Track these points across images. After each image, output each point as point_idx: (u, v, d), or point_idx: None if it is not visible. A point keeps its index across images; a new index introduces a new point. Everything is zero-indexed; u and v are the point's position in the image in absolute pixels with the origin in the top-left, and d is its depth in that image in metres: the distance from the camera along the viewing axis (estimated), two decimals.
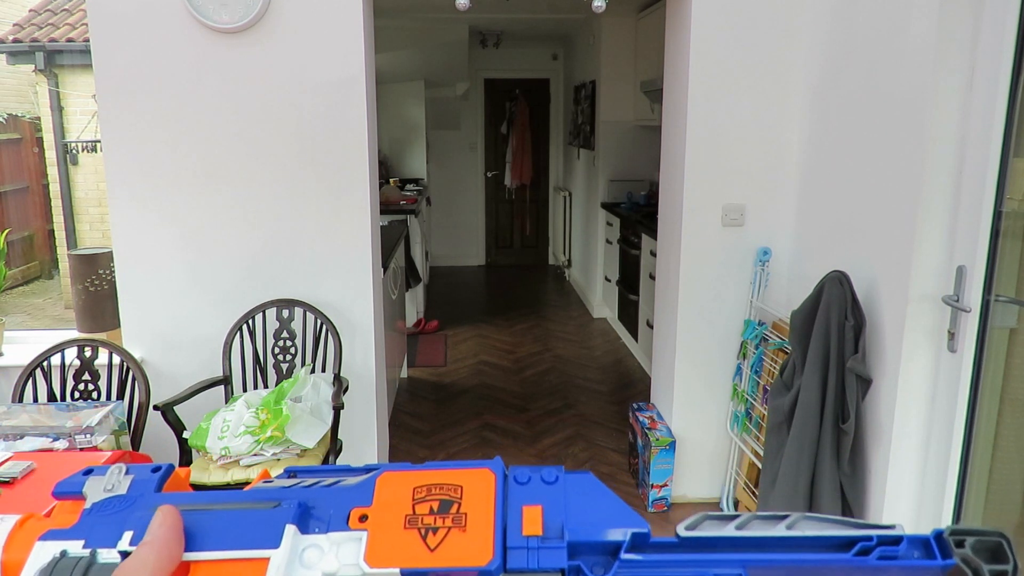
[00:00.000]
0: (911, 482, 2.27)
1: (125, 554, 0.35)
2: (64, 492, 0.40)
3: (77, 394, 2.60)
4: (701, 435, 3.17)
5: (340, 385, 2.74)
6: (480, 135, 8.12)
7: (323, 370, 2.88)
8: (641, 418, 3.25)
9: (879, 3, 2.35)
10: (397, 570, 0.33)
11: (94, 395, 2.61)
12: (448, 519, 0.34)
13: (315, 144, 2.83)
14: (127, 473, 0.40)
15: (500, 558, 0.33)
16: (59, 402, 2.48)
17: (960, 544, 0.32)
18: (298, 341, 2.90)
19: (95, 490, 0.39)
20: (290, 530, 0.34)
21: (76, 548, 0.36)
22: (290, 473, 0.39)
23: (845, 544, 0.33)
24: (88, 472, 0.40)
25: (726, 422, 3.13)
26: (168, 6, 2.71)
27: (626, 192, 5.63)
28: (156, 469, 0.40)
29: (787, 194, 2.96)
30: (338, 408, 2.61)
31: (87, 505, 0.38)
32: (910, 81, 2.17)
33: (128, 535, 0.36)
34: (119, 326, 2.98)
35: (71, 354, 2.60)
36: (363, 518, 0.35)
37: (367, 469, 0.38)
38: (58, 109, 6.86)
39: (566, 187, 7.64)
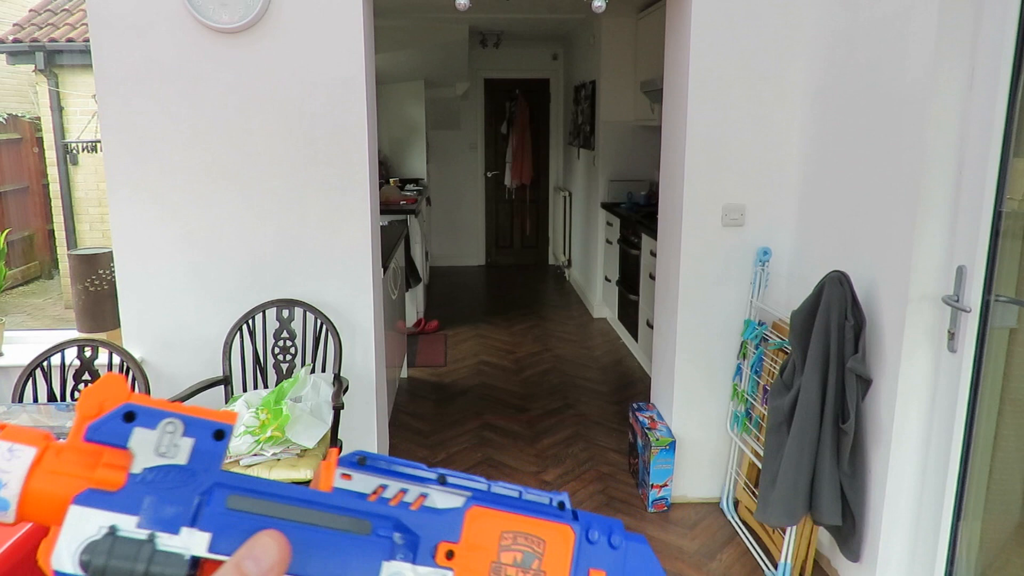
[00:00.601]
0: (911, 482, 2.27)
1: (198, 560, 0.32)
2: (102, 440, 0.34)
3: (77, 394, 2.60)
4: (701, 435, 3.17)
5: (340, 385, 2.74)
6: (480, 135, 8.12)
7: (323, 370, 2.88)
8: (641, 418, 3.25)
9: (879, 3, 2.35)
10: None
11: None
12: (530, 574, 0.36)
13: (315, 144, 2.83)
14: (185, 434, 0.35)
15: None
16: (59, 402, 2.48)
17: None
18: (298, 341, 2.90)
19: (145, 450, 0.34)
20: (385, 567, 0.35)
21: (128, 525, 0.32)
22: (359, 458, 0.37)
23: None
24: (130, 417, 0.34)
25: (726, 422, 3.13)
26: (168, 6, 2.71)
27: (626, 192, 5.63)
28: (219, 434, 0.35)
29: (787, 194, 2.96)
30: (338, 408, 2.61)
31: (134, 468, 0.34)
32: (910, 81, 2.17)
33: (204, 537, 0.33)
34: (119, 326, 2.98)
35: (71, 354, 2.60)
36: (449, 554, 0.36)
37: (439, 475, 0.38)
38: (58, 109, 6.86)
39: (566, 187, 7.64)
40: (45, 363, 2.55)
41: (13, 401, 2.49)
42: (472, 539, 0.36)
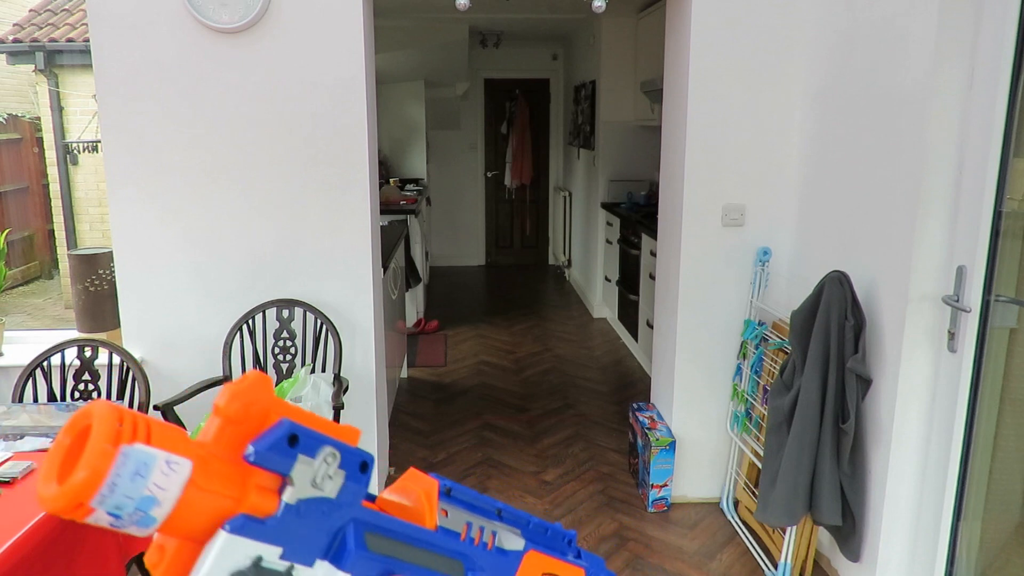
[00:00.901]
0: (911, 482, 2.27)
1: None
2: (269, 467, 0.33)
3: (77, 394, 2.60)
4: (701, 435, 3.17)
5: (340, 385, 2.74)
6: (480, 135, 8.12)
7: (323, 370, 2.89)
8: (641, 418, 3.25)
9: (879, 3, 2.35)
10: None
11: (94, 395, 2.61)
12: None
13: (315, 144, 2.83)
14: (340, 466, 0.34)
15: None
16: (59, 402, 2.48)
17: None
18: (298, 341, 2.90)
19: (303, 480, 0.33)
20: None
21: (272, 556, 0.32)
22: (446, 489, 0.42)
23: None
24: (294, 440, 0.33)
25: (726, 422, 3.13)
26: (168, 6, 2.71)
27: (626, 192, 5.63)
28: (363, 465, 0.35)
29: (787, 194, 2.96)
30: (338, 408, 2.61)
31: (289, 497, 0.33)
32: (910, 81, 2.17)
33: None
34: (119, 326, 2.98)
35: (71, 354, 2.60)
36: None
37: (496, 508, 0.45)
38: (58, 109, 6.86)
39: (566, 187, 7.64)
40: (45, 363, 2.55)
41: (13, 401, 2.49)
42: None
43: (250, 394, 0.33)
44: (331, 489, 0.34)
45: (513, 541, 0.44)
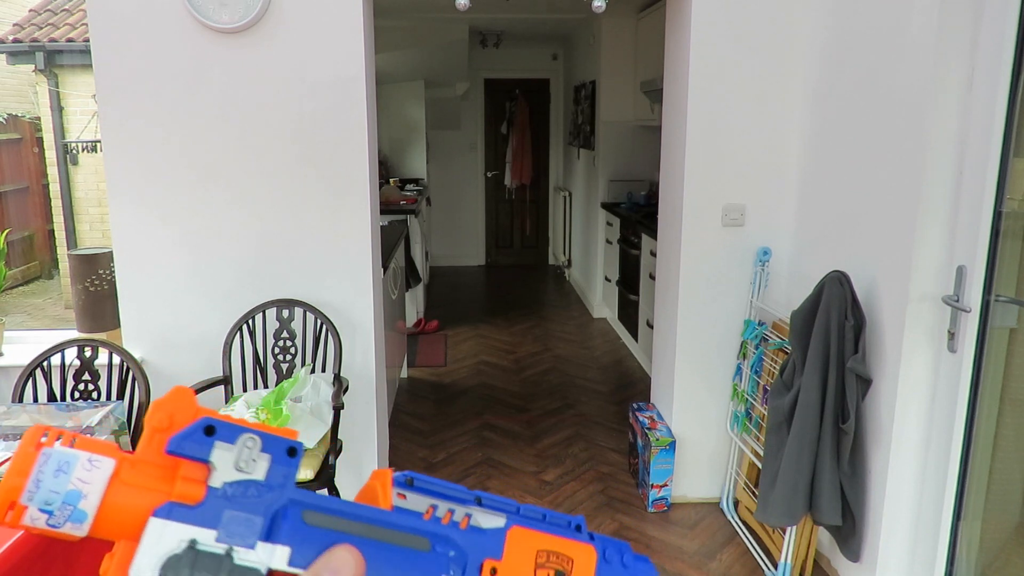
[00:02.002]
0: (911, 482, 2.27)
1: (274, 572, 0.33)
2: (184, 454, 0.34)
3: (77, 394, 2.60)
4: (701, 435, 3.17)
5: (340, 385, 2.74)
6: (480, 135, 8.12)
7: (323, 370, 2.88)
8: (641, 418, 3.25)
9: (879, 3, 2.35)
10: None
11: (94, 395, 2.61)
12: None
13: (315, 144, 2.83)
14: (263, 450, 0.35)
15: None
16: (59, 402, 2.47)
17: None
18: (298, 341, 2.90)
19: (225, 464, 0.35)
20: None
21: (207, 539, 0.33)
22: (407, 479, 0.40)
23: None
24: (210, 431, 0.35)
25: (726, 422, 3.13)
26: (168, 6, 2.71)
27: (626, 192, 5.63)
28: (291, 451, 0.36)
29: (787, 194, 2.96)
30: (338, 408, 2.61)
31: (214, 482, 0.34)
32: (910, 81, 2.17)
33: (283, 551, 0.34)
34: (119, 326, 2.98)
35: (71, 354, 2.60)
36: (493, 572, 0.39)
37: (475, 496, 0.41)
38: (58, 109, 6.86)
39: (566, 187, 7.64)
40: (45, 363, 2.55)
41: (13, 401, 2.49)
42: (512, 557, 0.39)
43: (172, 404, 0.35)
44: (259, 472, 0.35)
45: (494, 522, 0.40)
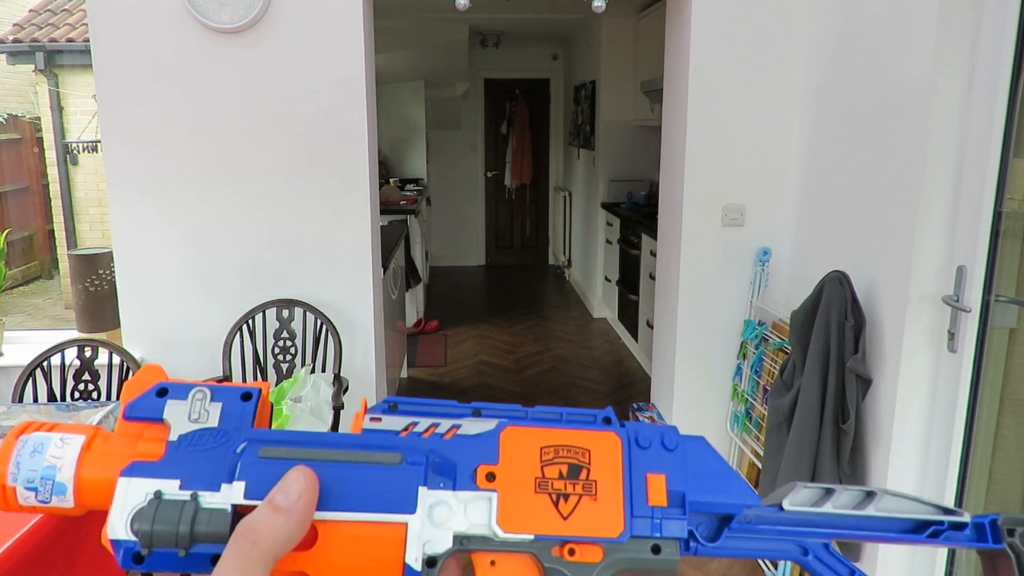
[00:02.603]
0: (911, 482, 2.27)
1: (240, 508, 0.34)
2: (139, 416, 0.36)
3: (77, 394, 2.60)
4: (701, 435, 3.16)
5: (340, 385, 2.74)
6: (480, 135, 8.12)
7: (323, 370, 2.88)
8: (641, 418, 3.25)
9: (879, 3, 2.35)
10: (531, 536, 0.34)
11: (94, 395, 2.61)
12: (579, 485, 0.35)
13: (315, 144, 2.83)
14: (213, 399, 0.37)
15: (630, 530, 0.34)
16: (59, 402, 2.48)
17: (1011, 532, 0.36)
18: (298, 341, 2.90)
19: (178, 418, 0.36)
20: (424, 493, 0.34)
21: (172, 488, 0.34)
22: (390, 404, 0.37)
23: (919, 525, 0.38)
24: (163, 392, 0.37)
25: (726, 422, 3.13)
26: (168, 6, 2.71)
27: (626, 192, 5.63)
28: (247, 396, 0.37)
29: (787, 194, 2.96)
30: (338, 408, 2.61)
31: (172, 436, 0.36)
32: (910, 81, 2.17)
33: (240, 486, 0.34)
34: (119, 326, 2.98)
35: (71, 354, 2.60)
36: (490, 476, 0.35)
37: (473, 408, 0.37)
38: (58, 109, 6.86)
39: (566, 187, 7.64)
40: (45, 363, 2.55)
41: (13, 401, 2.49)
42: (511, 458, 0.35)
43: (142, 380, 0.37)
44: (212, 419, 0.36)
45: (485, 426, 0.36)
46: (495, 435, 0.36)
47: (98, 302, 3.28)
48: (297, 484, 0.33)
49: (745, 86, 2.88)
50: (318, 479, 0.34)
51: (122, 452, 0.36)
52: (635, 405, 3.39)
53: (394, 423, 0.37)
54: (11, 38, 6.69)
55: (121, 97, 2.77)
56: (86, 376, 2.61)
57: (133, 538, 0.33)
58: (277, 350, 2.90)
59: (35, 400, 2.53)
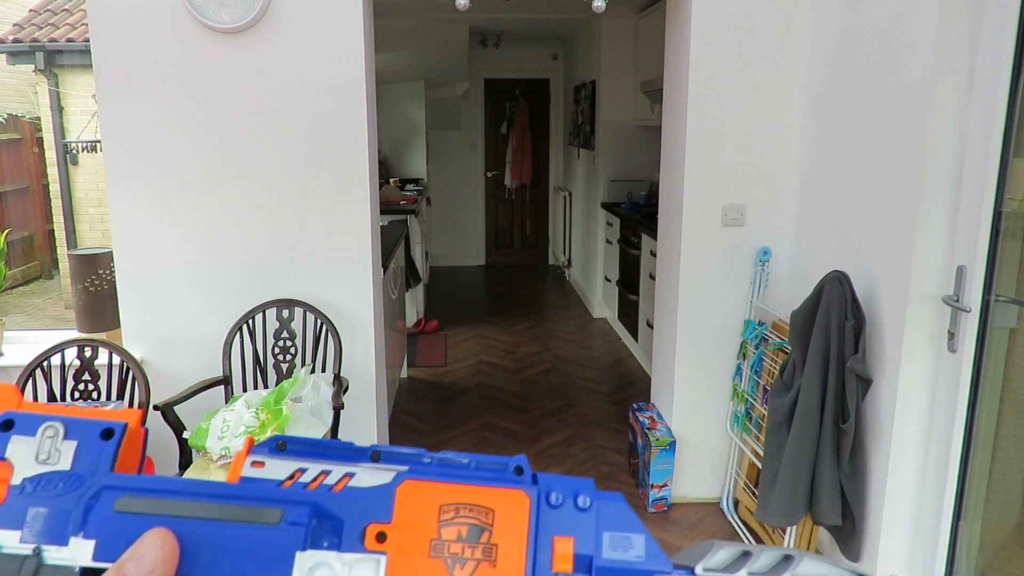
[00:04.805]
0: (911, 482, 2.27)
1: (89, 571, 0.30)
2: None
3: (77, 394, 2.60)
4: (701, 435, 3.17)
5: (340, 385, 2.74)
6: (480, 135, 8.12)
7: (323, 370, 2.88)
8: (641, 418, 3.25)
9: (879, 3, 2.35)
10: None
11: (94, 395, 2.61)
12: (478, 550, 0.32)
13: (315, 144, 2.83)
14: (66, 437, 0.32)
15: None
16: (59, 402, 2.47)
17: None
18: (298, 341, 2.90)
19: (24, 459, 0.31)
20: (302, 557, 0.31)
21: (11, 541, 0.30)
22: (278, 443, 0.33)
23: None
24: (8, 425, 0.32)
25: (726, 422, 3.13)
26: (168, 6, 2.71)
27: (626, 192, 5.63)
28: (107, 433, 0.32)
29: (787, 194, 2.96)
30: (338, 408, 2.61)
31: (14, 479, 0.31)
32: (910, 81, 2.17)
33: (89, 545, 0.30)
34: (119, 326, 2.98)
35: (71, 354, 2.60)
36: (381, 536, 0.32)
37: (371, 451, 0.33)
38: (58, 109, 6.86)
39: (566, 187, 7.64)
40: (45, 363, 2.55)
41: None
42: (406, 517, 0.32)
43: None
44: (64, 461, 0.32)
45: (381, 479, 0.33)
46: (391, 489, 0.32)
47: (98, 302, 3.28)
48: (152, 552, 0.29)
49: (745, 86, 2.88)
50: (178, 545, 0.30)
51: None
52: (635, 405, 3.39)
53: (279, 468, 0.33)
54: (11, 38, 6.69)
55: (121, 97, 2.77)
56: (86, 376, 2.61)
57: None
58: (277, 350, 2.90)
59: (35, 400, 2.53)
